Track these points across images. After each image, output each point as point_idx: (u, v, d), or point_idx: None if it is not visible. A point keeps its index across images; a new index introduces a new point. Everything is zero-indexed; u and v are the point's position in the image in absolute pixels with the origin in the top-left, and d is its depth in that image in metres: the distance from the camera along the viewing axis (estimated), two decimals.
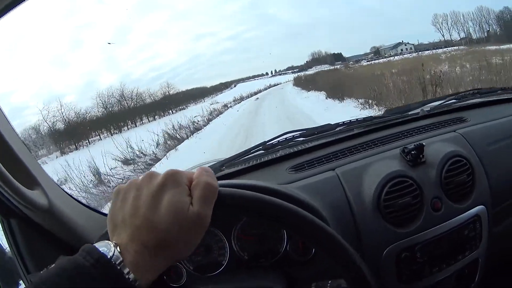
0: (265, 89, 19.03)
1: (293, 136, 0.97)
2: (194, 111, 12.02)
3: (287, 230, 0.49)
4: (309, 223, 0.48)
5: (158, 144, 8.05)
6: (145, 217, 0.38)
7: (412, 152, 0.80)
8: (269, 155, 0.94)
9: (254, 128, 7.62)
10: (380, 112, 6.27)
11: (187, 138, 9.08)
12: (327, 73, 14.49)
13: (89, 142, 10.16)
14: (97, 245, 0.37)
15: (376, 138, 0.91)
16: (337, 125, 0.98)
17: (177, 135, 9.17)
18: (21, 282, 0.75)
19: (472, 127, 0.92)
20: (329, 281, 0.64)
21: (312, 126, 0.97)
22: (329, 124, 0.99)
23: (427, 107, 1.03)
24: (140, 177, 0.42)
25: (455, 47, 11.58)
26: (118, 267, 0.35)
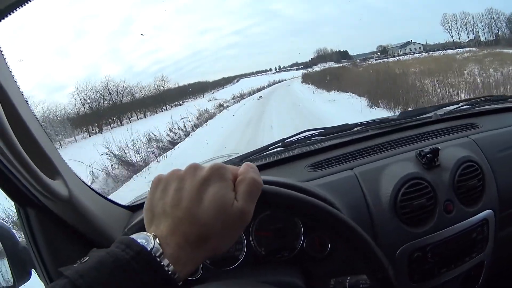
0: (269, 85, 17.52)
1: (311, 134, 0.98)
2: (191, 107, 10.10)
3: (324, 230, 0.51)
4: (347, 226, 0.49)
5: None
6: (188, 209, 0.37)
7: (428, 156, 0.82)
8: (287, 152, 0.94)
9: None
10: None
11: (135, 173, 5.65)
12: (342, 70, 12.45)
13: (60, 146, 8.67)
14: (134, 236, 0.36)
15: (392, 140, 0.92)
16: (355, 125, 1.00)
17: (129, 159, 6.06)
18: (33, 271, 0.74)
19: (483, 134, 0.94)
20: (348, 278, 0.66)
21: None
22: (347, 124, 1.00)
23: (440, 111, 1.05)
24: (184, 169, 0.41)
25: (467, 49, 11.02)
26: (158, 259, 0.35)
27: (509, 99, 1.10)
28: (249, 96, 14.67)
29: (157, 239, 0.36)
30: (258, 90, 16.30)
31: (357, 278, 0.65)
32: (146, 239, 0.36)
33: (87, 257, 0.35)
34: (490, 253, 0.84)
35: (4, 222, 0.78)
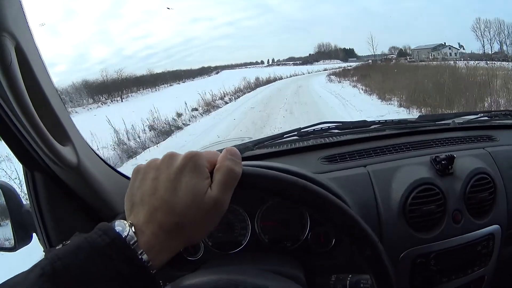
0: (239, 96, 10.01)
1: (328, 127, 0.97)
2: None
3: (314, 212, 0.48)
4: (328, 201, 0.46)
5: None
6: (163, 199, 0.38)
7: (443, 162, 0.81)
8: (302, 141, 0.93)
9: None
10: None
11: None
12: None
13: None
14: (112, 224, 0.37)
15: (408, 142, 0.91)
16: (373, 123, 0.98)
17: None
18: (34, 235, 0.74)
19: (500, 147, 0.93)
20: (350, 275, 0.65)
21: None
22: (364, 121, 0.99)
23: (459, 119, 1.03)
24: (161, 158, 0.41)
25: None
26: (132, 247, 0.35)
27: None
28: None
29: (132, 227, 0.36)
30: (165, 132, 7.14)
31: (359, 277, 0.65)
32: (122, 227, 0.36)
33: (69, 241, 0.36)
34: (492, 269, 0.83)
35: (11, 184, 0.78)
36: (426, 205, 0.76)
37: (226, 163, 0.40)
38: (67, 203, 0.72)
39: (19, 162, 0.67)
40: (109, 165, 0.78)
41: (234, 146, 0.86)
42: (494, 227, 0.82)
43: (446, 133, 0.97)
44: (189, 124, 7.91)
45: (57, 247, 0.35)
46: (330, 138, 0.93)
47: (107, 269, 0.33)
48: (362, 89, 8.39)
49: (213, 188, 0.39)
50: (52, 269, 0.33)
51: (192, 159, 0.40)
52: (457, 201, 0.79)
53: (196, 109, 9.09)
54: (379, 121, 0.99)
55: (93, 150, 0.73)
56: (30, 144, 0.60)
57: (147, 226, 0.37)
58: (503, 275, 0.89)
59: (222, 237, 0.78)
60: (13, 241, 0.73)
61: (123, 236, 0.35)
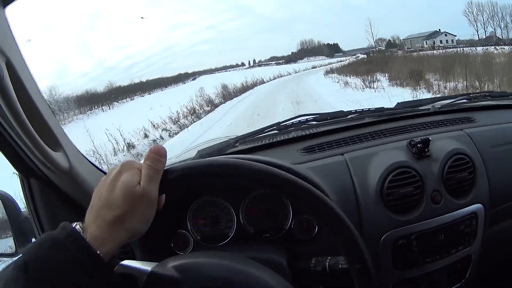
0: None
1: (306, 119, 1.00)
2: None
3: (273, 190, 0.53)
4: (307, 191, 0.51)
5: None
6: (105, 198, 0.47)
7: (418, 145, 0.83)
8: (282, 135, 0.97)
9: None
10: None
11: None
12: None
13: None
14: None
15: (386, 129, 0.93)
16: (350, 112, 1.01)
17: None
18: (33, 240, 0.79)
19: (479, 128, 0.94)
20: (328, 258, 0.68)
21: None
22: (342, 111, 1.02)
23: (438, 104, 1.05)
24: None
25: None
26: (83, 237, 0.44)
27: (510, 96, 1.09)
28: None
29: (80, 224, 0.46)
30: None
31: (337, 258, 0.67)
32: (78, 224, 0.45)
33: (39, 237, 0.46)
34: (478, 248, 0.84)
35: (8, 193, 0.84)
36: (403, 187, 0.78)
37: (145, 162, 0.49)
38: (63, 207, 0.77)
39: (16, 171, 0.72)
40: (99, 168, 0.82)
41: (217, 144, 0.90)
42: (477, 206, 0.83)
43: (424, 118, 0.99)
44: None
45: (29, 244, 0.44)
46: (309, 130, 0.97)
47: (65, 257, 0.41)
48: None
49: (141, 182, 0.48)
50: (23, 261, 0.41)
51: (127, 163, 0.50)
52: (436, 182, 0.81)
53: None
54: (356, 110, 1.01)
55: (83, 155, 0.78)
56: (24, 152, 0.66)
57: (94, 222, 0.45)
58: (492, 256, 0.89)
59: (209, 231, 0.81)
60: (14, 247, 0.78)
61: (77, 230, 0.44)
